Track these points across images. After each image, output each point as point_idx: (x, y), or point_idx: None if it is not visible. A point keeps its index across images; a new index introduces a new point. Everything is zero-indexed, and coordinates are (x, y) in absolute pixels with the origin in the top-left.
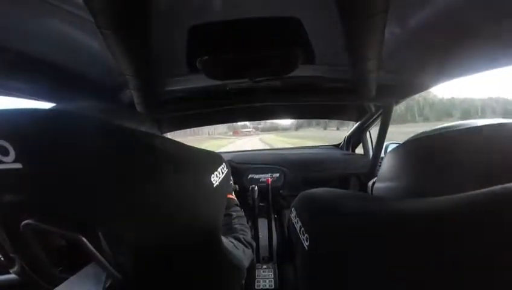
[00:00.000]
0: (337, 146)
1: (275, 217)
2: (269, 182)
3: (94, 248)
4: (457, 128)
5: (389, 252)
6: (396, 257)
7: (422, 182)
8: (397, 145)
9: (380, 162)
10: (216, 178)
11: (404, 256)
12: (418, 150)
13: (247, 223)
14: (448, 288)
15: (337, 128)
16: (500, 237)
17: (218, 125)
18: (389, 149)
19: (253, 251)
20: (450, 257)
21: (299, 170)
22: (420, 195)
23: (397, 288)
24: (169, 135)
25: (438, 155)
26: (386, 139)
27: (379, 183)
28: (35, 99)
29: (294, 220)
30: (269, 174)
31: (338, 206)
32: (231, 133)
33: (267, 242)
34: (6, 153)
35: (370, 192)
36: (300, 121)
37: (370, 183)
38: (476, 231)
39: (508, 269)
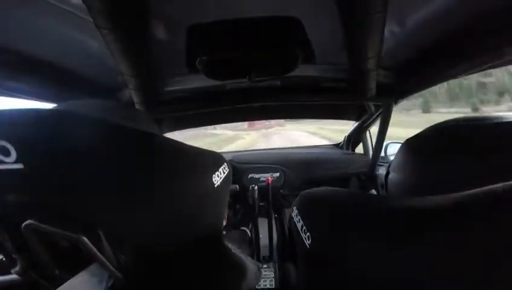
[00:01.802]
0: (337, 145)
1: (275, 217)
2: (269, 182)
3: (95, 248)
4: (471, 121)
5: (391, 251)
6: (398, 255)
7: (434, 175)
8: (411, 136)
9: (380, 162)
10: (217, 178)
11: (405, 255)
12: (432, 141)
13: (248, 223)
14: (449, 286)
15: None
16: (499, 235)
17: None
18: (389, 148)
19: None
20: (451, 255)
21: (299, 169)
22: (433, 187)
23: (398, 287)
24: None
25: (451, 148)
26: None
27: (393, 174)
28: (36, 100)
29: (295, 219)
30: (269, 174)
31: (339, 205)
32: (246, 126)
33: (267, 242)
34: (7, 153)
35: (384, 182)
36: None
37: (383, 173)
38: (476, 230)
39: (509, 266)
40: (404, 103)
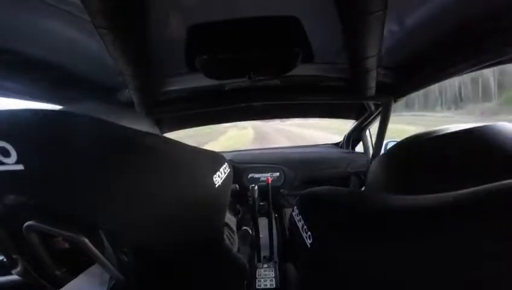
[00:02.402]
0: (337, 145)
1: (275, 217)
2: (269, 182)
3: (97, 249)
4: (440, 133)
5: (391, 249)
6: (399, 254)
7: (409, 187)
8: (381, 155)
9: None
10: (218, 178)
11: (406, 253)
12: (398, 158)
13: (248, 223)
14: (449, 283)
15: None
16: (498, 231)
17: None
18: (389, 147)
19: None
20: (451, 252)
21: (299, 169)
22: None
23: (399, 286)
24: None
25: (423, 160)
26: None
27: (367, 189)
28: (36, 101)
29: (296, 218)
30: (269, 174)
31: (341, 204)
32: None
33: (267, 241)
34: (7, 154)
35: None
36: None
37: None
38: (475, 226)
39: (507, 261)
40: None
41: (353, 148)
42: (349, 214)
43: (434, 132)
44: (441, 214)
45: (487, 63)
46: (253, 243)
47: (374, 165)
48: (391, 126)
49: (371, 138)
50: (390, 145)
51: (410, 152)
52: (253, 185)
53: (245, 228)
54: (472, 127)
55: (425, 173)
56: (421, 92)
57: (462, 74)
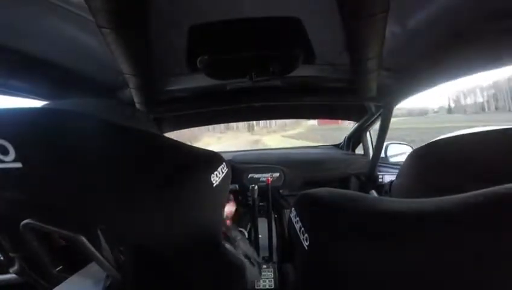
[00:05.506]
0: (337, 146)
1: (275, 217)
2: (269, 182)
3: (94, 247)
4: (470, 133)
5: (389, 252)
6: (397, 256)
7: (438, 182)
8: (417, 147)
9: (380, 162)
10: (216, 178)
11: (404, 256)
12: (436, 152)
13: (248, 223)
14: (449, 285)
15: None
16: (499, 235)
17: None
18: (389, 149)
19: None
20: (450, 255)
21: (299, 169)
22: (437, 194)
23: (397, 287)
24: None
25: (454, 157)
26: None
27: (398, 180)
28: (35, 99)
29: (294, 220)
30: (269, 174)
31: (338, 206)
32: None
33: (267, 242)
34: (6, 152)
35: (388, 189)
36: None
37: (384, 174)
38: (476, 230)
39: (508, 265)
40: None
41: (353, 149)
42: (346, 216)
43: (464, 133)
44: (442, 217)
45: (489, 66)
46: (252, 243)
47: (406, 160)
48: None
49: (371, 139)
50: (391, 147)
51: (439, 152)
52: (253, 185)
53: (241, 229)
54: (503, 128)
55: (455, 174)
56: None
57: (464, 76)
